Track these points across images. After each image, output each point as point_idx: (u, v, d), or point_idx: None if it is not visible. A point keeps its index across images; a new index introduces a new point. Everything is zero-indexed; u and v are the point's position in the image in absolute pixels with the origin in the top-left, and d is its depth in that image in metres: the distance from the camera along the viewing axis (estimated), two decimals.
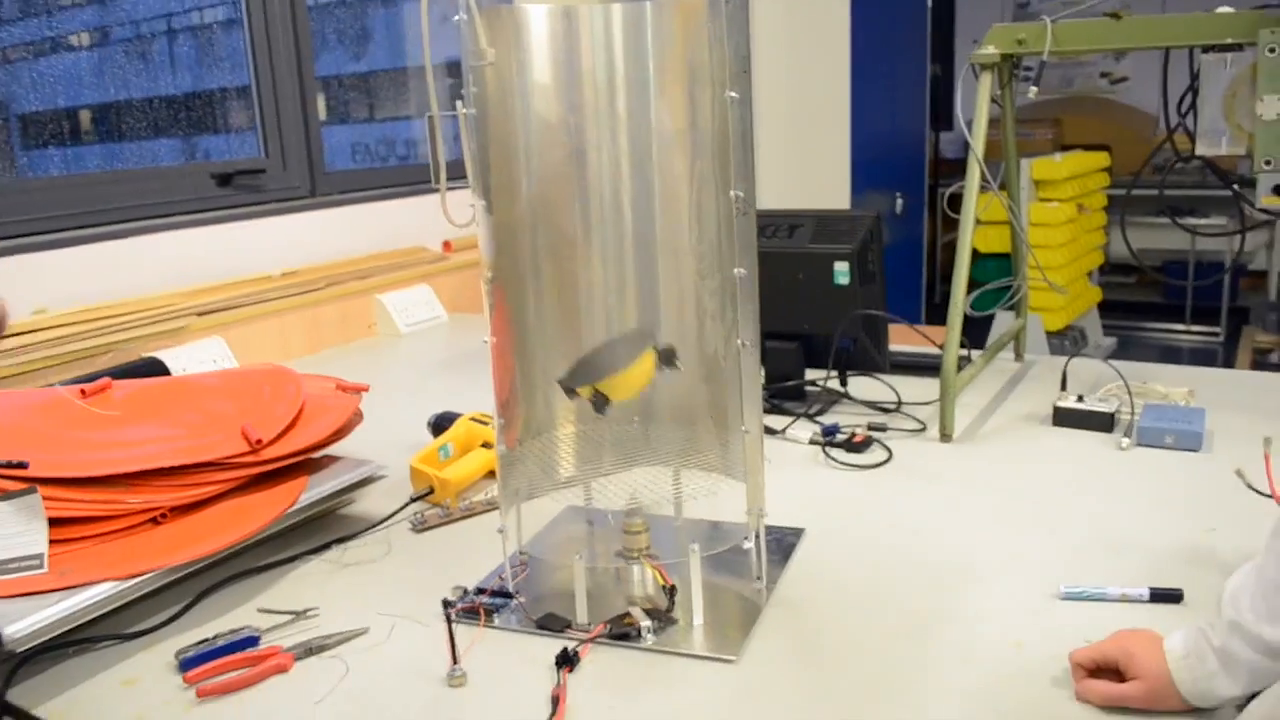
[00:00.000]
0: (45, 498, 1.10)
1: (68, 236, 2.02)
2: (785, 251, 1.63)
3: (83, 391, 1.38)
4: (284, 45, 2.47)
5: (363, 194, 2.62)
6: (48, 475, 1.15)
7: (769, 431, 1.55)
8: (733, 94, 0.94)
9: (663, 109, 1.04)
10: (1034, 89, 1.57)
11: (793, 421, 1.57)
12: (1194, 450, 1.42)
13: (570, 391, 1.06)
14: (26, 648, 0.97)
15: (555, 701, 0.89)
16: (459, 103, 0.97)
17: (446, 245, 2.72)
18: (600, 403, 1.04)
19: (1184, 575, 1.06)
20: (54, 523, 1.10)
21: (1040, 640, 0.96)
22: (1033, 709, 0.87)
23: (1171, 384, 1.64)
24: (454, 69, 3.08)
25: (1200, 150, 1.47)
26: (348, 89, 3.04)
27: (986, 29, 1.65)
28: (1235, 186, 1.56)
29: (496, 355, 1.06)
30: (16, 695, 0.98)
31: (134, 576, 1.06)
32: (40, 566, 1.07)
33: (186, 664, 0.98)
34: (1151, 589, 1.03)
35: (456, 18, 0.95)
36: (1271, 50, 1.37)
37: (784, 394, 1.65)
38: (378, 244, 2.60)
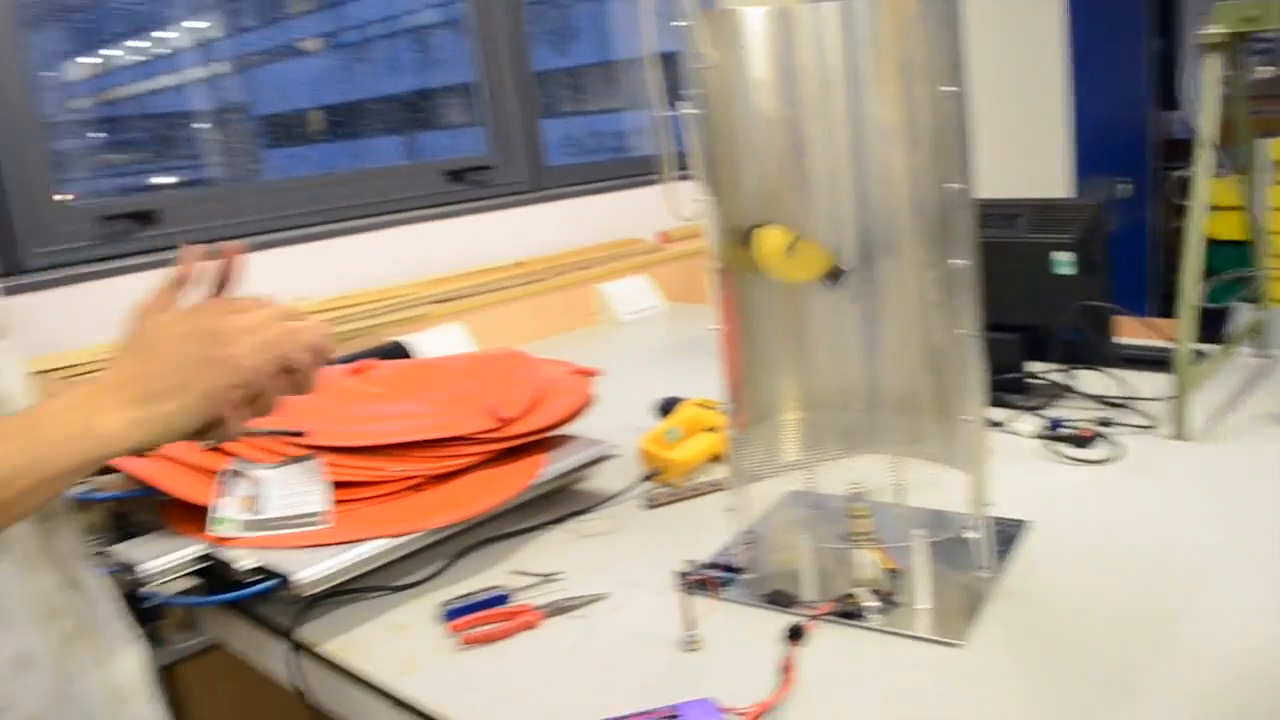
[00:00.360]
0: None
1: (318, 230, 2.23)
2: (1004, 240, 1.61)
3: (352, 371, 1.53)
4: (505, 46, 2.61)
5: (581, 188, 2.75)
6: (323, 443, 1.30)
7: (991, 424, 1.54)
8: (947, 89, 0.96)
9: (878, 104, 1.07)
10: (1269, 68, 1.50)
11: (1015, 415, 1.56)
12: None
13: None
14: (312, 592, 1.11)
15: (785, 670, 0.95)
16: (682, 102, 1.03)
17: (663, 237, 2.81)
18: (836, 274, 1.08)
19: None
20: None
21: None
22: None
23: None
24: (666, 61, 3.16)
25: None
26: (556, 84, 3.17)
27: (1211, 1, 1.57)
28: None
29: (726, 342, 1.12)
30: (303, 633, 1.11)
31: (401, 535, 1.18)
32: (321, 523, 1.20)
33: (451, 614, 1.10)
34: None
35: (679, 23, 1.01)
36: None
37: (1005, 386, 1.64)
38: (597, 235, 2.72)
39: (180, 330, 0.83)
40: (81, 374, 1.72)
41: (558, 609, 1.10)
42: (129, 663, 0.95)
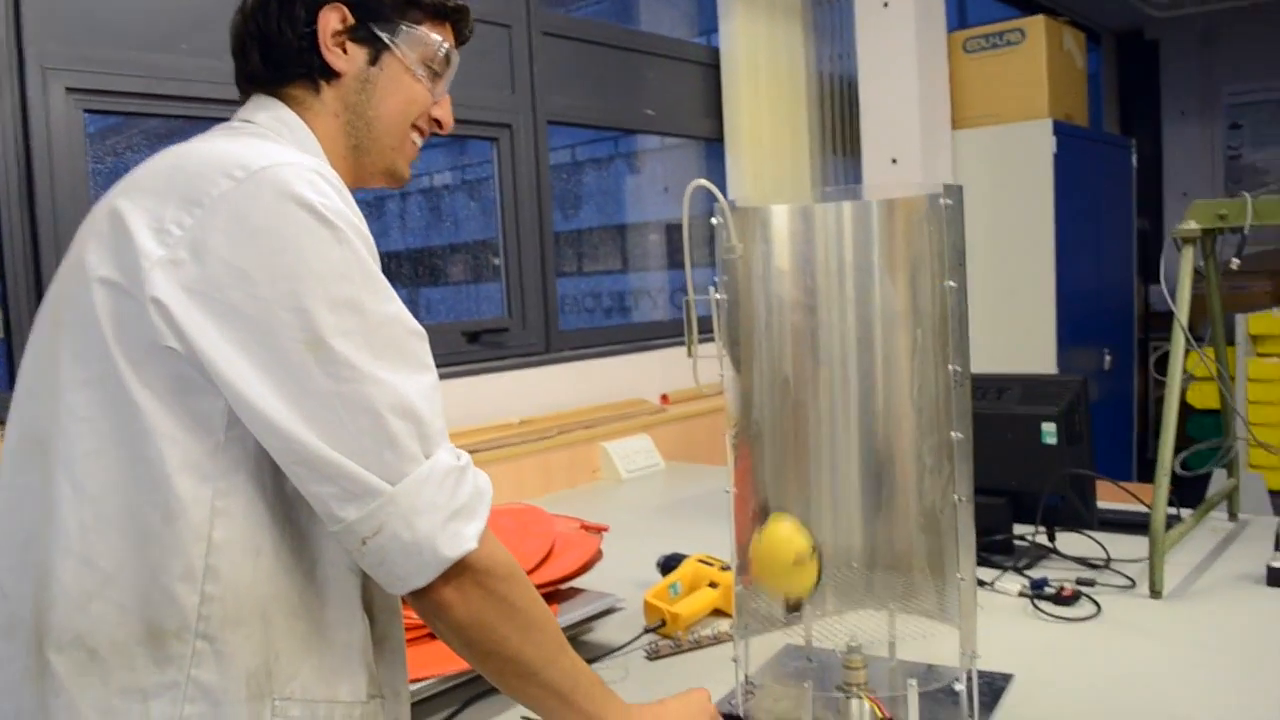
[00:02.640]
0: None
1: None
2: (995, 413, 1.73)
3: None
4: (529, 213, 2.79)
5: (591, 350, 2.88)
6: None
7: (979, 583, 1.62)
8: (951, 284, 1.09)
9: (887, 292, 1.20)
10: (1236, 261, 1.65)
11: (1002, 574, 1.64)
12: None
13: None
14: None
15: None
16: (712, 288, 1.16)
17: (664, 399, 2.94)
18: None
19: None
20: None
21: None
22: None
23: None
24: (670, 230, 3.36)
25: None
26: (562, 244, 3.35)
27: (1194, 181, 1.73)
28: None
29: (738, 505, 1.21)
30: None
31: (417, 681, 1.24)
32: None
33: None
34: None
35: (714, 219, 1.15)
36: None
37: (993, 547, 1.73)
38: (602, 396, 2.84)
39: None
40: None
41: None
42: None
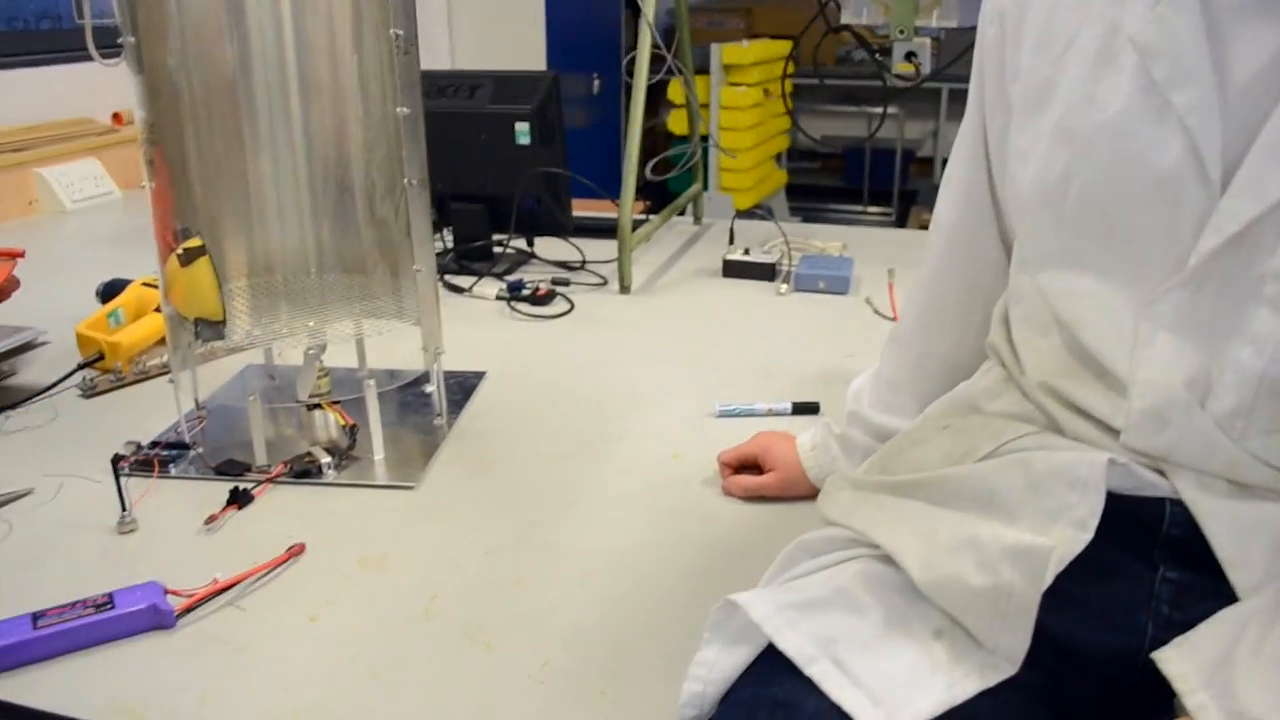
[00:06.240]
0: None
1: None
2: (466, 112, 1.64)
3: None
4: None
5: (14, 59, 2.38)
6: None
7: (456, 290, 1.59)
8: None
9: None
10: None
11: (479, 280, 1.61)
12: (842, 293, 1.59)
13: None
14: None
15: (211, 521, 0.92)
16: None
17: (117, 117, 2.53)
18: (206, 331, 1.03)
19: (823, 392, 1.20)
20: None
21: (696, 451, 1.07)
22: (687, 505, 0.97)
23: (829, 240, 1.81)
24: None
25: (845, 19, 1.61)
26: None
27: None
28: (877, 54, 1.72)
29: (156, 201, 1.02)
30: None
31: None
32: None
33: None
34: (794, 403, 1.17)
35: None
36: None
37: (471, 255, 1.69)
38: (36, 114, 2.38)
39: None
40: None
41: None
42: None
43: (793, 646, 0.57)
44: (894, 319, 1.30)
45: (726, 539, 0.92)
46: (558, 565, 0.88)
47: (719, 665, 0.60)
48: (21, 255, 1.35)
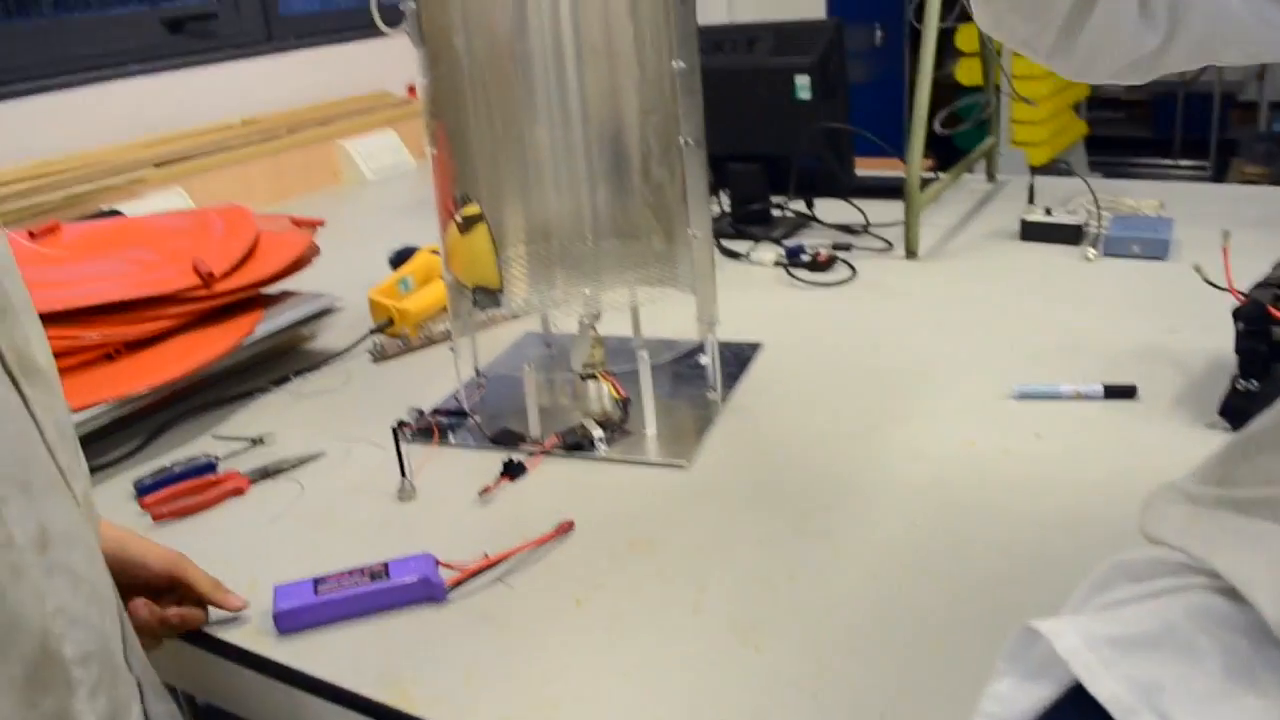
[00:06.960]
0: None
1: (15, 89, 1.96)
2: (742, 67, 1.57)
3: (30, 234, 1.35)
4: None
5: (320, 37, 2.53)
6: None
7: (733, 255, 1.53)
8: None
9: None
10: None
11: (756, 245, 1.54)
12: (1160, 258, 1.41)
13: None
14: None
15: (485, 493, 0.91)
16: None
17: (411, 90, 2.65)
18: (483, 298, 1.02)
19: (1141, 373, 1.06)
20: None
21: (992, 438, 0.97)
22: (983, 501, 0.87)
23: (1142, 197, 1.61)
24: None
25: None
26: None
27: None
28: None
29: (438, 169, 1.03)
30: None
31: (84, 408, 1.05)
32: None
33: (143, 490, 0.99)
34: (1106, 385, 1.03)
35: None
36: None
37: (749, 218, 1.62)
38: (339, 89, 2.53)
39: None
40: None
41: (268, 472, 1.01)
42: None
43: (1107, 692, 0.47)
44: (1228, 289, 1.12)
45: (1029, 545, 0.81)
46: (836, 561, 0.80)
47: (1015, 702, 0.51)
48: (321, 224, 1.42)
